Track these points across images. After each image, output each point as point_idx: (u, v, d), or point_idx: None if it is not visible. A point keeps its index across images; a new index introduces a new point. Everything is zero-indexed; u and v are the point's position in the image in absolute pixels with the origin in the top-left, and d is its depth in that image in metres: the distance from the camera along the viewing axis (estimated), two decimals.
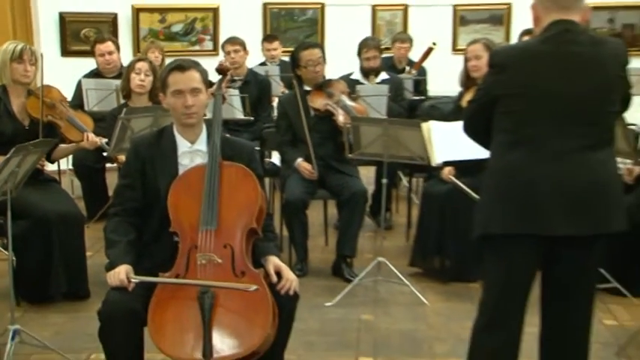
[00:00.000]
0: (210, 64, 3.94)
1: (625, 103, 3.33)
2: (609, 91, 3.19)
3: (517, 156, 3.16)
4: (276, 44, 8.33)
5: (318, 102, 5.72)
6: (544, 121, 3.14)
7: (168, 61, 4.96)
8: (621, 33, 9.12)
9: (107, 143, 5.40)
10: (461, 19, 9.34)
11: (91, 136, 5.32)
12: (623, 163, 5.32)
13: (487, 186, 3.33)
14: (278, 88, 7.48)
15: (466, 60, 5.56)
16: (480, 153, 3.52)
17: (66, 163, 6.87)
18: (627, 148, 5.11)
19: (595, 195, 3.14)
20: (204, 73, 3.58)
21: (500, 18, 9.25)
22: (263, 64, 8.14)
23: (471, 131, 3.46)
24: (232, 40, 7.38)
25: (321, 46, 5.99)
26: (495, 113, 3.22)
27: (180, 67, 3.50)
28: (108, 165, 6.43)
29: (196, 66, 3.55)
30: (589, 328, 3.38)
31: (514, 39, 8.44)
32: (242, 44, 7.36)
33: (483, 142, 3.43)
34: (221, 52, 8.65)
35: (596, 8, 9.12)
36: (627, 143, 5.10)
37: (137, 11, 9.10)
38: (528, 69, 3.18)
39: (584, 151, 3.13)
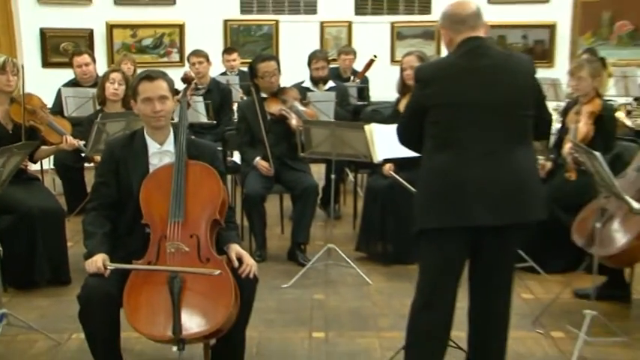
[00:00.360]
0: (176, 74, 3.90)
1: (542, 108, 3.37)
2: (522, 98, 3.24)
3: (446, 159, 3.20)
4: (234, 56, 8.31)
5: (274, 107, 5.72)
6: (468, 127, 3.18)
7: (139, 71, 4.95)
8: (533, 48, 9.27)
9: (84, 145, 5.36)
10: (398, 34, 9.40)
11: (70, 138, 5.28)
12: (538, 159, 5.39)
13: (421, 186, 3.39)
14: (237, 95, 7.47)
15: (402, 70, 5.63)
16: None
17: (48, 163, 6.81)
18: (540, 146, 5.18)
19: (515, 190, 3.20)
20: (170, 83, 3.57)
21: (432, 34, 9.33)
22: (224, 73, 8.11)
23: (405, 141, 3.49)
24: (197, 53, 7.37)
25: (276, 58, 5.98)
26: (425, 122, 3.25)
27: (149, 77, 3.49)
28: (86, 165, 6.36)
29: (164, 76, 3.54)
30: (509, 303, 3.44)
31: (444, 52, 8.49)
32: (205, 56, 7.35)
33: (416, 148, 3.47)
34: (187, 63, 8.64)
35: (513, 26, 9.27)
36: (540, 142, 5.18)
37: (111, 27, 9.04)
38: (450, 82, 3.22)
39: (505, 151, 3.18)
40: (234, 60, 8.25)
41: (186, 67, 7.60)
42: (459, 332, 3.53)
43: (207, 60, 7.37)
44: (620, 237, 4.19)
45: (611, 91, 7.51)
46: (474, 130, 3.17)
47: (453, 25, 3.27)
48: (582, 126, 5.07)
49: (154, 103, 3.47)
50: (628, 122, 7.27)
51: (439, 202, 3.22)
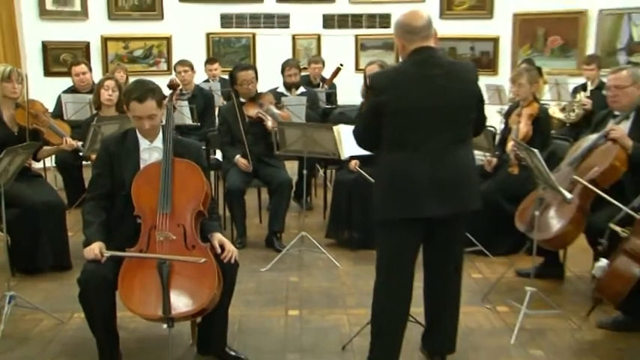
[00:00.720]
0: (164, 81, 3.89)
1: (481, 110, 3.36)
2: (466, 103, 3.24)
3: (400, 158, 3.21)
4: (216, 65, 8.27)
5: (252, 111, 5.69)
6: (418, 130, 3.17)
7: (131, 78, 4.92)
8: (479, 58, 9.31)
9: (82, 145, 5.32)
10: (361, 45, 9.41)
11: (69, 139, 5.25)
12: (484, 156, 5.43)
13: (378, 182, 3.39)
14: (219, 100, 7.43)
15: (365, 77, 5.58)
16: None
17: (50, 162, 6.74)
18: (487, 144, 5.23)
19: (458, 184, 3.22)
20: (159, 97, 3.49)
21: (392, 45, 9.30)
22: (206, 81, 8.07)
23: (361, 142, 3.46)
24: (182, 62, 7.32)
25: (254, 67, 5.95)
26: (380, 126, 3.23)
27: (139, 98, 3.41)
28: (84, 163, 6.33)
29: (152, 95, 3.45)
30: (459, 281, 3.49)
31: None
32: (190, 65, 7.31)
33: (371, 149, 3.50)
34: (173, 72, 8.59)
35: (462, 39, 9.33)
36: (487, 141, 5.23)
37: (105, 40, 8.96)
38: (402, 89, 3.19)
39: (450, 150, 3.20)
40: (215, 69, 8.21)
41: (173, 75, 7.55)
42: (418, 308, 3.55)
43: (192, 69, 7.33)
44: (555, 223, 4.23)
45: (547, 96, 7.60)
46: (424, 132, 3.17)
47: (405, 35, 3.23)
48: (523, 126, 5.11)
49: (143, 121, 3.47)
50: (560, 115, 7.36)
51: (395, 197, 3.23)
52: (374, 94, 3.25)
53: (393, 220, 3.26)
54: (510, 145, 5.09)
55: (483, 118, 3.43)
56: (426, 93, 3.16)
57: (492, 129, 6.10)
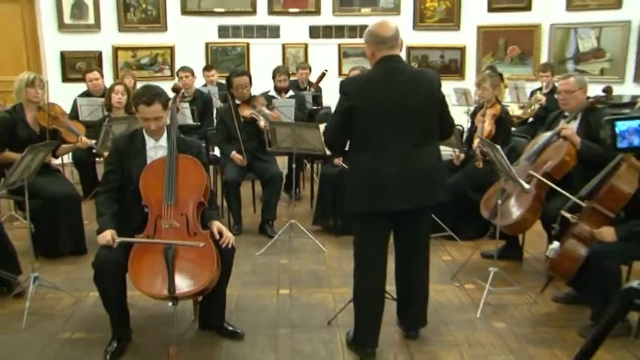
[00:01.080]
0: (167, 85, 3.87)
1: (445, 114, 3.33)
2: (429, 106, 3.22)
3: (369, 157, 3.19)
4: (213, 72, 8.21)
5: (246, 112, 5.67)
6: (385, 132, 3.15)
7: (139, 84, 4.91)
8: (448, 65, 9.35)
9: (95, 143, 5.29)
10: (344, 53, 9.39)
11: (84, 138, 5.23)
12: (454, 151, 5.44)
13: (349, 179, 3.36)
14: (217, 102, 7.39)
15: None
16: None
17: (67, 158, 6.70)
18: (455, 141, 5.22)
19: (423, 180, 3.21)
20: (164, 100, 3.47)
21: None
22: (204, 85, 8.02)
23: (330, 143, 3.43)
24: (184, 69, 7.28)
25: (248, 73, 5.92)
26: (350, 127, 3.21)
27: (147, 102, 3.40)
28: (97, 159, 6.30)
29: (159, 98, 3.43)
30: (427, 263, 3.50)
31: None
32: (191, 71, 7.27)
33: (338, 150, 3.51)
34: (176, 77, 8.53)
35: (433, 48, 9.34)
36: (455, 138, 5.21)
37: (116, 49, 8.90)
38: (370, 94, 3.17)
39: (415, 149, 3.18)
40: (212, 75, 8.16)
41: (176, 80, 7.52)
42: (393, 286, 3.56)
43: (193, 74, 7.30)
44: (515, 211, 4.25)
45: (507, 99, 7.63)
46: (390, 134, 3.15)
47: (375, 44, 3.20)
48: (487, 125, 5.12)
49: (149, 122, 3.45)
50: (518, 112, 7.41)
51: (364, 193, 3.22)
52: (344, 98, 3.21)
53: (364, 213, 3.26)
54: (476, 141, 5.09)
55: (449, 121, 3.40)
56: (392, 98, 3.14)
57: (460, 127, 6.11)
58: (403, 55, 9.15)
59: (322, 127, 5.08)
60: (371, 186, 3.19)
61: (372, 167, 3.17)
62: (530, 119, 7.38)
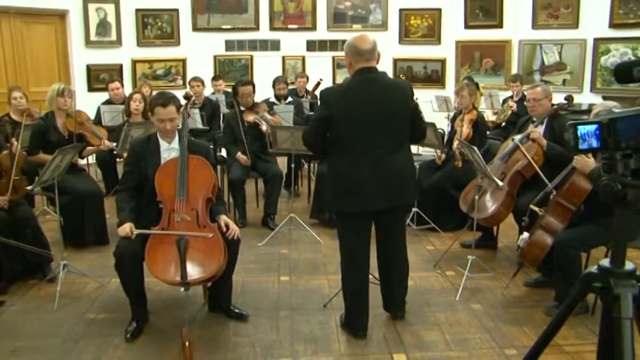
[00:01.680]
0: (179, 93, 3.88)
1: (417, 121, 3.31)
2: (401, 115, 3.19)
3: (346, 162, 3.18)
4: (220, 81, 8.16)
5: (250, 117, 5.66)
6: (362, 138, 3.13)
7: (155, 92, 4.93)
8: (431, 75, 9.34)
9: (116, 146, 5.31)
10: (337, 64, 9.36)
11: (106, 142, 5.26)
12: (435, 152, 5.45)
13: (329, 182, 3.35)
14: (223, 108, 7.37)
15: None
16: None
17: (91, 159, 6.66)
18: (437, 143, 5.23)
19: (397, 183, 3.20)
20: (178, 104, 3.49)
21: None
22: (213, 94, 7.99)
23: (309, 145, 3.41)
24: (195, 79, 7.25)
25: (252, 82, 5.92)
26: (330, 133, 3.20)
27: (163, 104, 3.41)
28: (117, 159, 6.28)
29: (173, 101, 3.45)
30: (405, 253, 3.49)
31: None
32: (202, 81, 7.25)
33: (316, 152, 3.51)
34: (188, 86, 8.52)
35: (417, 60, 9.34)
36: (437, 139, 5.23)
37: (135, 62, 8.90)
38: (347, 104, 3.14)
39: (389, 154, 3.16)
40: (220, 84, 8.11)
41: (187, 89, 7.52)
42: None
43: (203, 84, 7.27)
44: (490, 205, 4.26)
45: (483, 105, 7.65)
46: (366, 139, 3.13)
47: (353, 55, 3.18)
48: (465, 129, 5.13)
49: (165, 123, 3.44)
50: (492, 118, 7.42)
51: (344, 194, 3.21)
52: (324, 107, 3.19)
53: (344, 212, 3.26)
54: (455, 143, 5.11)
55: (421, 127, 3.37)
56: (368, 107, 3.11)
57: (441, 131, 6.12)
58: (390, 66, 9.19)
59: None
60: (349, 188, 3.17)
61: (350, 170, 3.15)
62: (503, 124, 7.40)
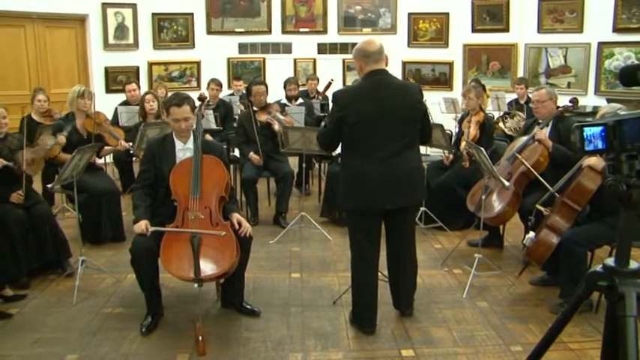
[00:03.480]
0: (194, 95, 3.89)
1: (425, 122, 3.30)
2: (411, 116, 3.18)
3: (357, 161, 3.17)
4: (241, 82, 8.08)
5: (262, 117, 5.65)
6: (372, 138, 3.13)
7: (169, 93, 4.98)
8: (439, 77, 9.31)
9: (131, 146, 5.34)
10: (347, 67, 9.34)
11: (123, 142, 5.28)
12: (444, 153, 5.43)
13: (341, 180, 3.34)
14: (237, 110, 7.35)
15: None
16: None
17: (109, 158, 6.70)
18: (445, 144, 5.21)
19: (404, 183, 3.19)
20: (192, 104, 3.52)
21: None
22: (232, 94, 7.96)
23: (323, 145, 3.44)
24: (215, 81, 7.15)
25: (265, 83, 5.92)
26: (342, 134, 3.19)
27: (178, 104, 3.44)
28: (134, 159, 6.32)
29: (188, 101, 3.48)
30: (414, 251, 3.48)
31: None
32: (220, 85, 7.19)
33: (330, 151, 3.46)
34: (202, 87, 8.64)
35: (425, 63, 9.31)
36: (446, 141, 5.21)
37: (151, 65, 8.92)
38: (359, 105, 3.14)
39: (398, 155, 3.15)
40: (240, 85, 8.02)
41: (201, 90, 7.53)
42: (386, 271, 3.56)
43: (220, 87, 7.25)
44: (497, 205, 4.23)
45: (490, 107, 7.60)
46: (377, 140, 3.13)
47: (362, 58, 3.19)
48: (472, 130, 5.10)
49: (180, 123, 3.45)
50: (505, 129, 7.36)
51: (354, 193, 3.21)
52: (336, 109, 3.19)
53: (353, 210, 3.26)
54: (463, 144, 5.08)
55: (428, 128, 3.36)
56: (378, 109, 3.11)
57: (449, 132, 6.09)
58: (399, 68, 9.16)
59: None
60: (360, 187, 3.17)
61: (361, 169, 3.15)
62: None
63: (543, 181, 3.91)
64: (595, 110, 7.01)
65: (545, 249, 3.60)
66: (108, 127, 5.26)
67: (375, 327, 3.35)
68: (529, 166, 4.08)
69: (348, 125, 3.13)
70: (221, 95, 7.40)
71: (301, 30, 9.33)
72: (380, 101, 3.12)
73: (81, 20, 8.46)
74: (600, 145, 1.62)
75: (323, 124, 5.88)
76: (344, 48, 9.29)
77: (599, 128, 1.61)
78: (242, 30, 9.24)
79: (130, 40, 8.76)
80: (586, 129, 1.62)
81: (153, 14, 8.86)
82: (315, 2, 9.28)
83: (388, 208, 3.21)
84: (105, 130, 5.17)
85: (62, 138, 4.70)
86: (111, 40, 8.63)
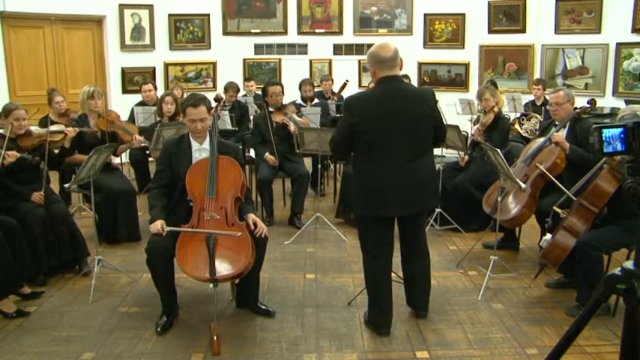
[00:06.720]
0: (210, 95, 3.91)
1: (439, 125, 3.26)
2: (424, 122, 3.16)
3: (371, 168, 3.16)
4: (252, 83, 8.19)
5: (278, 118, 5.66)
6: (385, 145, 3.10)
7: (186, 94, 5.01)
8: (455, 78, 9.26)
9: (147, 145, 5.37)
10: (363, 68, 9.30)
11: (137, 136, 5.33)
12: (459, 154, 5.40)
13: (354, 186, 3.33)
14: (252, 110, 7.38)
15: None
16: None
17: (125, 158, 6.77)
18: (460, 144, 5.18)
19: (418, 189, 3.18)
20: (208, 105, 3.54)
21: None
22: (245, 95, 8.01)
23: (336, 151, 3.44)
24: (232, 86, 7.17)
25: (281, 84, 5.93)
26: (354, 140, 3.17)
27: (194, 104, 3.45)
28: (150, 159, 6.36)
29: (204, 102, 3.49)
30: (427, 257, 3.47)
31: None
32: (237, 90, 7.22)
33: (342, 157, 3.46)
34: (218, 88, 8.70)
35: (441, 64, 9.27)
36: (461, 142, 5.17)
37: (167, 65, 8.98)
38: (372, 112, 3.11)
39: (412, 161, 3.13)
40: (251, 85, 8.12)
41: (216, 91, 7.56)
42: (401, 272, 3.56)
43: (237, 92, 7.27)
44: (513, 207, 4.20)
45: (506, 108, 7.53)
46: (390, 146, 3.10)
47: (376, 64, 3.14)
48: (487, 116, 5.14)
49: (196, 123, 3.46)
50: (521, 130, 7.31)
51: (367, 199, 3.20)
52: (349, 115, 3.16)
53: (365, 216, 3.25)
54: (475, 127, 5.16)
55: (442, 130, 3.32)
56: (391, 115, 3.08)
57: (465, 133, 6.06)
58: (415, 69, 9.13)
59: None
60: (373, 194, 3.16)
61: (373, 176, 3.14)
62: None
63: (560, 185, 3.87)
64: (613, 112, 6.94)
65: (561, 251, 3.57)
66: (120, 123, 5.31)
67: (390, 328, 3.34)
68: (545, 170, 4.04)
69: (360, 132, 3.11)
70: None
71: (317, 31, 9.34)
72: (393, 109, 3.09)
73: (98, 21, 8.54)
74: (619, 147, 1.60)
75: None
76: (360, 49, 9.28)
77: (619, 130, 1.60)
78: (258, 31, 9.27)
79: (147, 41, 8.83)
80: (605, 131, 1.60)
81: (169, 15, 8.93)
82: (331, 3, 9.29)
83: (399, 215, 3.21)
84: (118, 127, 5.21)
85: (73, 130, 4.68)
86: (127, 41, 8.71)
